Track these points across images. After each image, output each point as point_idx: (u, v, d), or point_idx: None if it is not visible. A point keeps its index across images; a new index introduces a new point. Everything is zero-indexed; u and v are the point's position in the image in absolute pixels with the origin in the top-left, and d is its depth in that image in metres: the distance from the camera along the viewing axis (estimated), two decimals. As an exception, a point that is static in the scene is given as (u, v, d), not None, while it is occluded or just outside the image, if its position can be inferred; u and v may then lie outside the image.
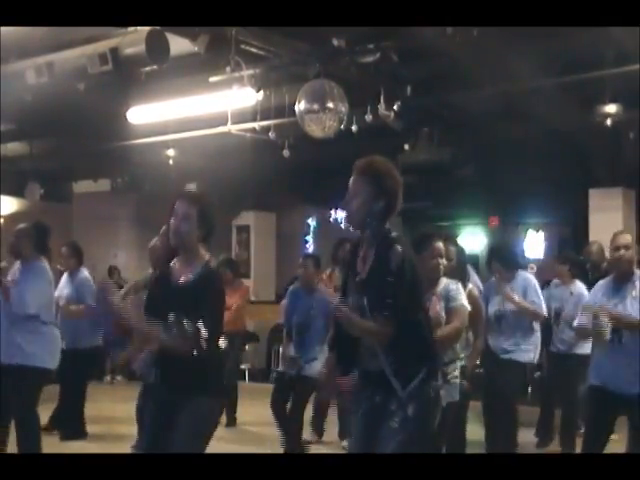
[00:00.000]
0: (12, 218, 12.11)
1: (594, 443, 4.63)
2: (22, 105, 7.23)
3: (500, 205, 14.47)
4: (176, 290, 3.62)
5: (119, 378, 10.97)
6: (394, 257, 3.15)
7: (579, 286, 6.81)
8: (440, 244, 4.59)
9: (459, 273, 5.19)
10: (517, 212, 15.35)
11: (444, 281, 4.62)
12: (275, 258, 13.61)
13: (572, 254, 7.83)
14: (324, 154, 9.65)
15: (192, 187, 12.28)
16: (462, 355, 4.85)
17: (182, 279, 3.63)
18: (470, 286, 5.29)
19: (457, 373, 4.72)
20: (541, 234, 16.69)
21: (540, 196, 12.93)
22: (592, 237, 10.19)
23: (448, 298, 4.57)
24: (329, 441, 7.16)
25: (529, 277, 6.21)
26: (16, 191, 11.91)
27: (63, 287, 7.18)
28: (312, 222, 15.60)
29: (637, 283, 4.63)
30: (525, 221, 16.41)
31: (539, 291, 6.12)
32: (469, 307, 4.72)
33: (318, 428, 7.28)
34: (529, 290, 5.99)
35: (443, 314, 4.50)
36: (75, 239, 12.03)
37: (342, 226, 15.73)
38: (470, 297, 4.95)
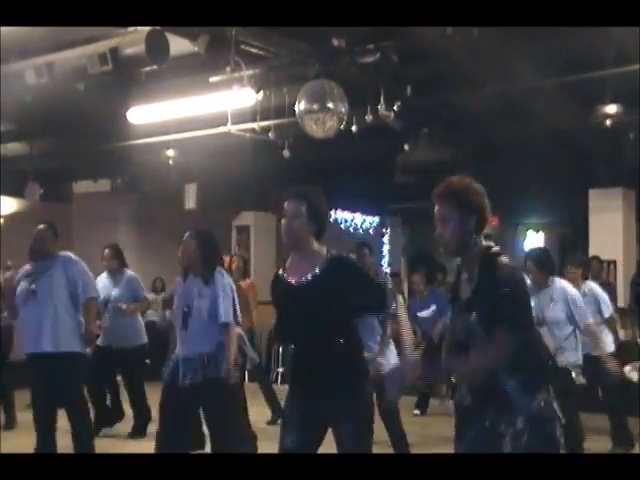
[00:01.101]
0: (12, 218, 12.11)
1: None
2: (22, 105, 7.23)
3: (500, 205, 14.43)
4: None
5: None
6: (501, 271, 3.03)
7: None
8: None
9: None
10: (517, 212, 15.35)
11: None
12: (275, 258, 13.60)
13: (583, 256, 7.94)
14: (324, 154, 9.64)
15: (192, 187, 12.29)
16: None
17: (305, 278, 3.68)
18: None
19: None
20: (541, 234, 16.69)
21: (540, 196, 12.93)
22: (592, 237, 10.21)
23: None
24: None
25: (567, 286, 6.10)
26: (16, 191, 11.90)
27: (109, 288, 7.44)
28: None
29: None
30: (525, 221, 16.42)
31: (581, 299, 6.11)
32: None
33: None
34: (571, 302, 5.97)
35: None
36: (75, 239, 12.08)
37: (342, 227, 15.78)
38: None
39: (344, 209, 15.78)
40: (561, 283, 6.09)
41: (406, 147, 8.80)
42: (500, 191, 13.68)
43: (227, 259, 7.64)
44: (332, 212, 15.83)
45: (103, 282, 7.46)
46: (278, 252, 13.79)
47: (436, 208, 3.16)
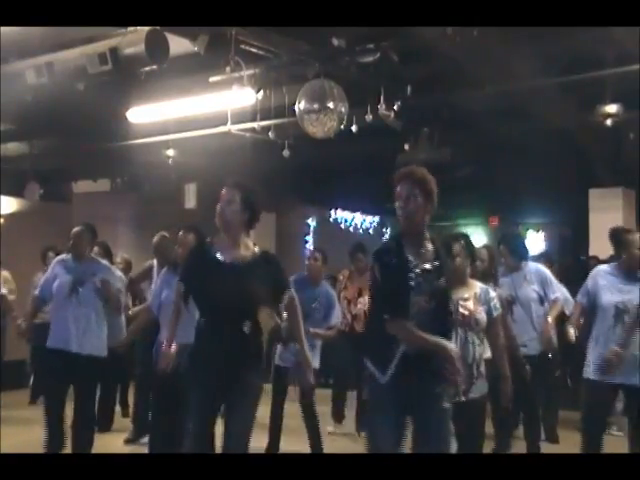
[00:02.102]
0: (12, 218, 12.10)
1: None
2: (22, 105, 7.22)
3: (500, 205, 14.49)
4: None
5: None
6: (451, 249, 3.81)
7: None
8: (454, 244, 4.67)
9: (491, 275, 5.29)
10: (517, 212, 15.37)
11: (479, 285, 4.63)
12: (275, 258, 13.60)
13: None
14: (324, 154, 9.64)
15: (192, 187, 12.27)
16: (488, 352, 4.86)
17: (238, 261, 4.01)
18: (498, 290, 5.33)
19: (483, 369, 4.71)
20: (541, 234, 16.71)
21: (540, 196, 12.94)
22: (592, 237, 10.21)
23: (490, 307, 4.57)
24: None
25: (542, 269, 6.22)
26: (16, 191, 11.90)
27: None
28: (312, 222, 15.60)
29: None
30: (525, 221, 16.43)
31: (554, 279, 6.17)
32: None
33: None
34: (546, 283, 6.05)
35: (484, 316, 4.49)
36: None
37: (342, 227, 15.78)
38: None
39: (344, 209, 15.79)
40: (536, 266, 6.21)
41: (406, 147, 8.80)
42: (500, 191, 13.79)
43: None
44: (332, 212, 15.85)
45: None
46: (278, 252, 13.80)
47: (403, 185, 3.59)
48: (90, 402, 5.77)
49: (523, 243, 6.52)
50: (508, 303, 5.82)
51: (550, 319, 5.91)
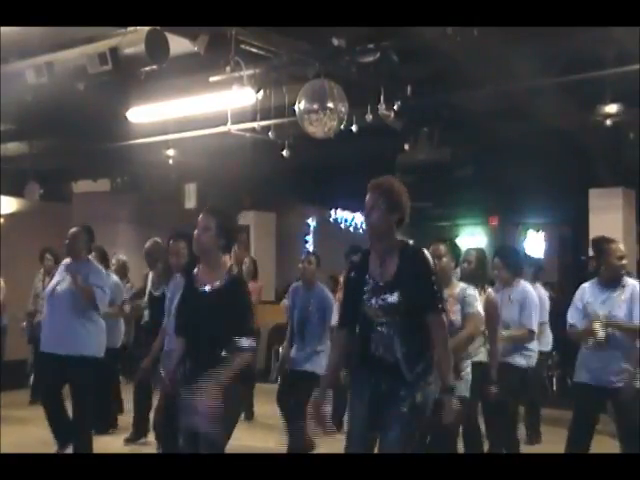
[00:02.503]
0: (12, 218, 12.11)
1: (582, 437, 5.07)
2: (22, 105, 7.22)
3: (500, 205, 14.49)
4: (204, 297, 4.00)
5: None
6: (421, 261, 3.58)
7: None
8: (439, 246, 4.70)
9: (479, 277, 5.27)
10: (517, 212, 15.37)
11: (460, 285, 4.66)
12: (275, 258, 13.61)
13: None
14: (324, 154, 9.64)
15: (192, 187, 12.27)
16: (474, 353, 4.87)
17: (207, 287, 4.00)
18: (489, 290, 5.33)
19: (469, 370, 4.74)
20: (541, 234, 16.71)
21: (540, 196, 12.93)
22: (592, 237, 10.20)
23: (465, 303, 4.61)
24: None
25: (529, 290, 6.08)
26: (16, 191, 11.91)
27: None
28: (312, 222, 15.60)
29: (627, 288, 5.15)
30: (525, 221, 16.43)
31: (535, 308, 6.03)
32: (482, 313, 4.78)
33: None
34: (526, 305, 5.94)
35: (458, 317, 4.53)
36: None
37: (342, 227, 15.78)
38: (487, 302, 5.02)
39: (344, 209, 15.79)
40: (525, 286, 6.07)
41: (406, 147, 8.80)
42: (500, 191, 13.79)
43: (226, 258, 7.67)
44: (332, 212, 15.84)
45: None
46: (278, 252, 13.81)
47: (369, 197, 3.65)
48: (82, 403, 5.70)
49: (519, 258, 6.42)
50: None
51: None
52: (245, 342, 3.85)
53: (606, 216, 10.10)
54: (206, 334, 3.92)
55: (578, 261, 9.03)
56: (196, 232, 4.05)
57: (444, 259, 4.74)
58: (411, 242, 3.68)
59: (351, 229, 16.09)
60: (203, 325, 3.93)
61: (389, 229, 3.62)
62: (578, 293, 5.39)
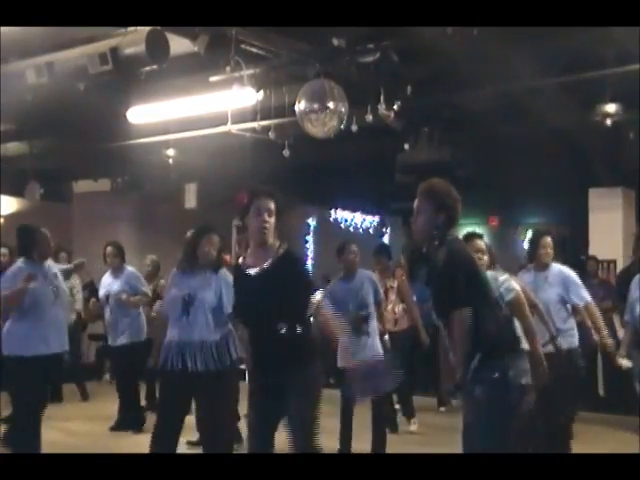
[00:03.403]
0: (12, 218, 12.10)
1: None
2: (22, 105, 7.22)
3: (500, 205, 14.48)
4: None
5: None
6: (442, 257, 3.59)
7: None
8: (476, 241, 4.84)
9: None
10: (517, 212, 15.37)
11: (489, 273, 4.64)
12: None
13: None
14: (324, 154, 9.64)
15: (192, 187, 12.27)
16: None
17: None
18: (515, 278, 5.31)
19: None
20: (541, 234, 16.68)
21: (540, 196, 12.94)
22: (592, 237, 10.21)
23: (503, 291, 4.58)
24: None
25: (563, 268, 5.95)
26: (16, 191, 11.91)
27: (110, 284, 7.53)
28: (312, 222, 15.60)
29: None
30: (525, 221, 16.42)
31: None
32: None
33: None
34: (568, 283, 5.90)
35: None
36: (75, 239, 12.08)
37: (342, 227, 15.78)
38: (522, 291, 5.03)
39: (344, 209, 15.79)
40: (558, 266, 5.93)
41: (406, 147, 8.80)
42: (500, 191, 13.77)
43: (227, 257, 7.68)
44: (332, 212, 15.84)
45: (107, 280, 7.58)
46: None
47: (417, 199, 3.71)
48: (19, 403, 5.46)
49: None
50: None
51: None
52: None
53: (606, 216, 10.11)
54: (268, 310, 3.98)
55: (578, 261, 9.01)
56: (261, 218, 4.00)
57: (485, 257, 4.76)
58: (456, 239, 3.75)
59: (351, 229, 16.08)
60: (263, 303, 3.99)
61: (435, 231, 3.65)
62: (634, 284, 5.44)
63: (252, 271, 4.03)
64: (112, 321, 7.48)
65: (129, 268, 7.64)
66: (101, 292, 7.58)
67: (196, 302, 5.12)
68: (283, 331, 3.88)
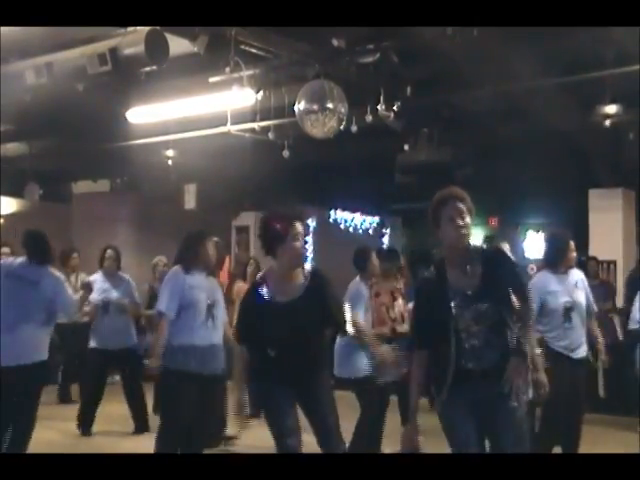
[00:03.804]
0: (12, 218, 12.10)
1: None
2: (22, 105, 7.22)
3: (500, 205, 14.47)
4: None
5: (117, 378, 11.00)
6: (505, 260, 3.64)
7: None
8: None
9: None
10: (517, 212, 15.35)
11: None
12: (275, 258, 13.59)
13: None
14: (324, 154, 9.64)
15: (192, 187, 12.27)
16: None
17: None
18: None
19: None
20: (541, 234, 16.68)
21: (540, 196, 12.92)
22: (592, 237, 10.21)
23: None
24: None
25: (581, 273, 5.93)
26: (16, 191, 11.91)
27: (108, 289, 7.51)
28: (312, 222, 15.59)
29: None
30: (525, 221, 16.41)
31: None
32: None
33: None
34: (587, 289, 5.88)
35: None
36: (75, 239, 12.08)
37: (342, 227, 15.77)
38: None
39: (344, 209, 15.77)
40: (577, 270, 5.84)
41: (406, 147, 8.80)
42: (500, 191, 13.73)
43: (226, 258, 7.72)
44: (332, 212, 15.83)
45: (100, 283, 7.50)
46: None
47: (458, 204, 3.60)
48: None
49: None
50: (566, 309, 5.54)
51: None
52: None
53: (606, 216, 10.11)
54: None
55: (578, 261, 9.01)
56: (298, 243, 4.11)
57: None
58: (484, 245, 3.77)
59: (351, 229, 16.07)
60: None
61: (471, 237, 3.63)
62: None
63: (281, 299, 4.10)
64: (111, 326, 7.48)
65: (125, 276, 7.70)
66: (97, 296, 7.37)
67: (218, 306, 5.22)
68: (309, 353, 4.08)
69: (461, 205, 3.58)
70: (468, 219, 3.57)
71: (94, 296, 7.46)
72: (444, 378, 3.52)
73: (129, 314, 7.54)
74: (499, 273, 3.53)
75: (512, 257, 3.64)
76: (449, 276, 3.57)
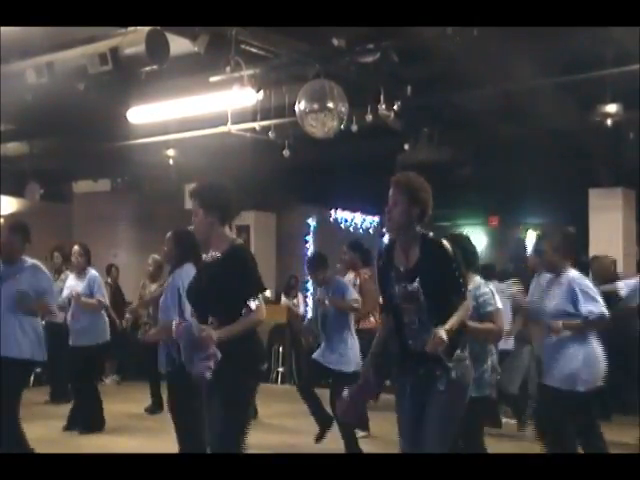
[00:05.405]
0: (12, 218, 12.10)
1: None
2: (22, 105, 7.23)
3: (500, 205, 14.48)
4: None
5: (115, 378, 11.00)
6: (444, 251, 3.72)
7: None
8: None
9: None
10: (517, 212, 15.35)
11: (476, 280, 4.60)
12: (275, 258, 13.61)
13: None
14: (324, 154, 9.65)
15: (192, 187, 12.28)
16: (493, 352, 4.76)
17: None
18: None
19: (488, 368, 4.64)
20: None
21: (540, 196, 12.93)
22: (592, 237, 10.21)
23: (481, 303, 4.52)
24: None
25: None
26: (16, 191, 11.91)
27: (74, 286, 7.48)
28: (312, 222, 15.59)
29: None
30: (525, 221, 16.42)
31: None
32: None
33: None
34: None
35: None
36: (75, 239, 12.08)
37: (342, 227, 15.78)
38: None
39: (344, 209, 15.77)
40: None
41: (406, 147, 8.80)
42: (500, 191, 13.72)
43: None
44: (332, 212, 15.83)
45: (71, 282, 7.58)
46: (278, 252, 13.80)
47: (391, 190, 3.77)
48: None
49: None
50: None
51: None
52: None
53: (606, 216, 10.11)
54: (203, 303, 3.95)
55: (578, 261, 9.02)
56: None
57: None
58: (431, 234, 3.83)
59: (351, 229, 16.08)
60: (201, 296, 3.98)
61: (410, 223, 3.74)
62: None
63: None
64: (72, 322, 7.48)
65: (93, 271, 7.59)
66: (65, 293, 7.52)
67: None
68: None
69: (391, 192, 3.76)
70: (397, 206, 3.72)
71: (63, 293, 7.53)
72: (394, 352, 3.82)
73: (82, 306, 7.35)
74: (433, 262, 3.69)
75: (450, 251, 3.71)
76: (395, 254, 3.81)
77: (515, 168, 10.47)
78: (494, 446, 4.96)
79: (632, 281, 7.75)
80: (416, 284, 3.67)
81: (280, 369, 11.34)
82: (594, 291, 5.02)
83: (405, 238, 3.79)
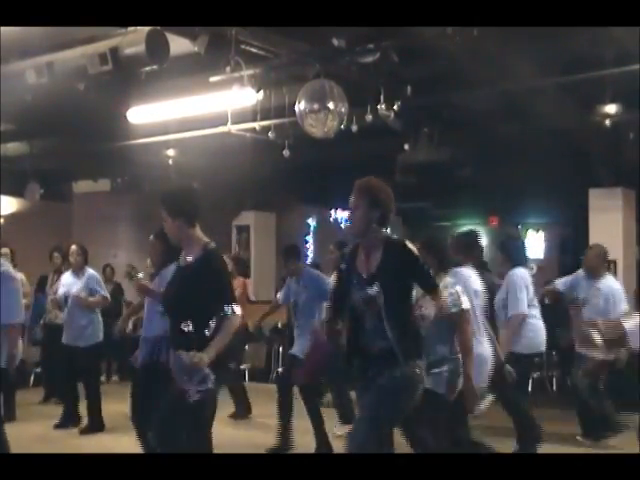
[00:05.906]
0: (12, 218, 12.11)
1: None
2: (22, 105, 7.22)
3: (500, 205, 14.49)
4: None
5: (115, 378, 11.01)
6: (407, 251, 3.79)
7: None
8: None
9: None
10: (517, 212, 15.37)
11: (446, 280, 4.62)
12: (275, 258, 13.62)
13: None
14: (324, 154, 9.64)
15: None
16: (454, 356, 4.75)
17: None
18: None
19: (446, 369, 4.63)
20: (541, 234, 16.71)
21: (540, 196, 12.94)
22: (592, 237, 10.21)
23: (448, 304, 4.53)
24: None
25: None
26: (16, 191, 11.91)
27: (71, 284, 7.51)
28: (312, 222, 15.61)
29: None
30: (525, 221, 16.43)
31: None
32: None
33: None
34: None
35: (430, 312, 4.45)
36: (75, 239, 12.09)
37: (342, 227, 15.79)
38: None
39: (344, 209, 15.79)
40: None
41: (406, 147, 8.80)
42: (500, 191, 13.74)
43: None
44: (332, 212, 15.86)
45: (67, 279, 7.62)
46: (278, 252, 13.81)
47: (351, 196, 3.87)
48: None
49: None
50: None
51: None
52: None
53: (606, 216, 10.11)
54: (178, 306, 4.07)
55: (578, 261, 9.00)
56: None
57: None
58: (395, 236, 3.93)
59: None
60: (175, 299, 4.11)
61: (370, 226, 3.80)
62: None
63: None
64: (69, 321, 7.48)
65: (90, 270, 7.64)
66: (60, 291, 7.58)
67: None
68: None
69: (352, 196, 3.86)
70: (358, 210, 3.81)
71: (59, 291, 7.56)
72: (346, 352, 3.93)
73: (83, 305, 7.40)
74: (396, 264, 3.75)
75: (414, 251, 3.80)
76: (357, 258, 3.87)
77: (515, 168, 10.47)
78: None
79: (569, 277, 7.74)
80: (376, 288, 3.75)
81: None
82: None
83: (367, 242, 3.86)
